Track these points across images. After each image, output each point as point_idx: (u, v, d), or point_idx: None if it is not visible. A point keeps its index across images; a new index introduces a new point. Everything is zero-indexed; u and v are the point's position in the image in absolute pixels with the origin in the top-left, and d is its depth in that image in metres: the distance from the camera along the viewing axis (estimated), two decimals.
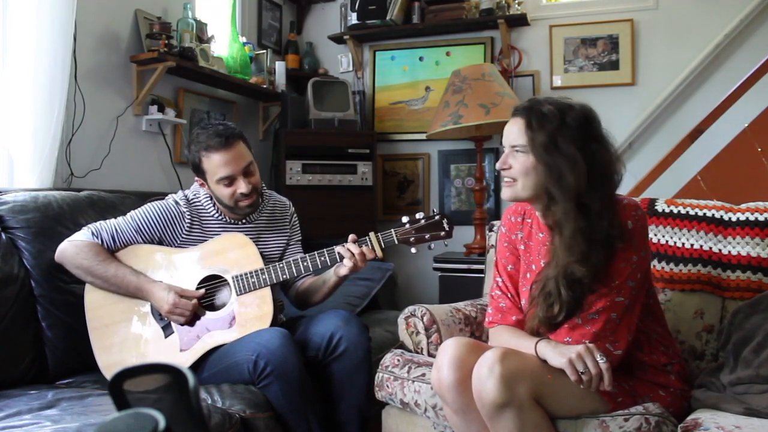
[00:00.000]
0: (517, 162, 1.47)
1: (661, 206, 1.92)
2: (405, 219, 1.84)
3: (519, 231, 1.64)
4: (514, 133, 1.48)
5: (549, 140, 1.42)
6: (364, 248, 1.80)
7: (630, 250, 1.43)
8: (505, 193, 1.51)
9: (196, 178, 1.95)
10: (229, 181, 1.86)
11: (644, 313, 1.51)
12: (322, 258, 1.84)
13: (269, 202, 2.06)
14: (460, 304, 2.03)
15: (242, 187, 1.86)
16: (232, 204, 1.89)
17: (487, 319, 1.66)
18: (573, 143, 1.42)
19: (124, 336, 1.84)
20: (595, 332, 1.40)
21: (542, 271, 1.49)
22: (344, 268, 1.83)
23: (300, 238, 2.13)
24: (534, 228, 1.61)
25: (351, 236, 1.83)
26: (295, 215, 2.14)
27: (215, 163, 1.85)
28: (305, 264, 1.85)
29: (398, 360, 1.78)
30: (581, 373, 1.32)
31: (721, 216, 1.83)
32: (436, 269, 3.11)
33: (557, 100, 1.49)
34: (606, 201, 1.43)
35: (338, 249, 1.82)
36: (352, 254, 1.79)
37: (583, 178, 1.40)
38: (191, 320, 1.82)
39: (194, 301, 1.81)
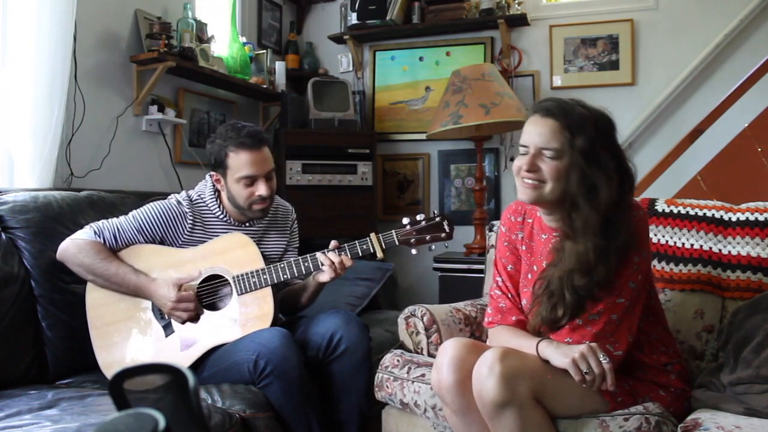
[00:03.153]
0: (547, 166, 1.40)
1: (661, 206, 1.92)
2: (406, 220, 1.84)
3: (519, 231, 1.63)
4: (545, 135, 1.40)
5: (589, 147, 1.37)
6: (343, 257, 1.81)
7: (631, 251, 1.42)
8: (527, 194, 1.44)
9: (212, 173, 1.94)
10: (251, 181, 1.87)
11: (645, 313, 1.51)
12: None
13: (272, 205, 2.06)
14: (460, 304, 2.03)
15: (262, 189, 1.87)
16: (246, 205, 1.90)
17: (486, 319, 1.65)
18: (609, 153, 1.39)
19: (125, 335, 1.84)
20: (595, 333, 1.40)
21: (546, 270, 1.47)
22: (324, 275, 1.83)
23: (297, 245, 2.13)
24: (536, 228, 1.59)
25: (333, 243, 1.84)
26: (295, 222, 2.14)
27: (242, 160, 1.86)
28: (306, 264, 1.85)
29: (398, 360, 1.78)
30: (585, 373, 1.31)
31: (721, 216, 1.83)
32: (436, 269, 3.11)
33: (582, 103, 1.43)
34: (626, 211, 1.41)
35: (319, 256, 1.82)
36: (332, 262, 1.80)
37: (615, 192, 1.38)
38: (192, 319, 1.82)
39: (192, 292, 1.80)
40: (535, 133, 1.42)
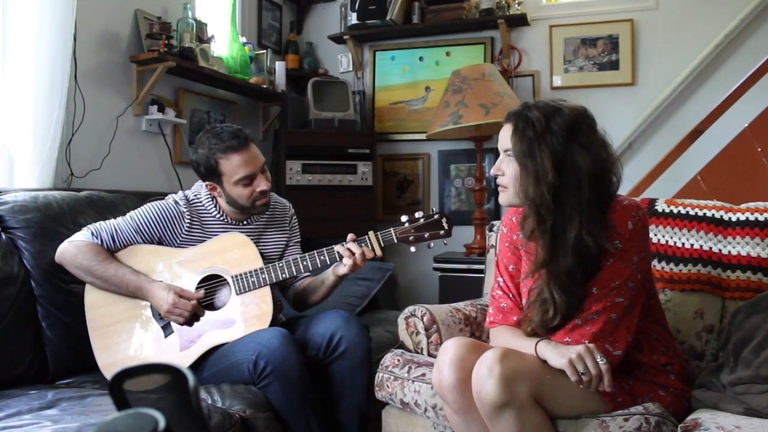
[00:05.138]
0: (508, 168, 1.49)
1: (661, 206, 1.92)
2: (404, 218, 1.85)
3: (520, 231, 1.64)
4: (505, 138, 1.49)
5: (527, 148, 1.43)
6: (364, 248, 1.81)
7: (630, 251, 1.42)
8: (501, 198, 1.54)
9: (206, 183, 1.92)
10: (249, 180, 1.87)
11: (644, 313, 1.51)
12: (322, 257, 1.84)
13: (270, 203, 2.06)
14: (460, 304, 2.03)
15: (262, 184, 1.89)
16: (249, 204, 1.90)
17: (488, 319, 1.66)
18: (552, 151, 1.40)
19: (124, 336, 1.84)
20: (594, 333, 1.40)
21: (538, 279, 1.49)
22: (343, 267, 1.84)
23: (299, 239, 2.13)
24: None
25: (350, 235, 1.84)
26: (294, 217, 2.14)
27: (236, 163, 1.85)
28: (305, 263, 1.85)
29: (398, 360, 1.78)
30: (581, 373, 1.31)
31: (721, 216, 1.83)
32: (436, 269, 3.11)
33: (548, 104, 1.46)
34: (581, 210, 1.40)
35: (337, 248, 1.82)
36: (352, 254, 1.80)
37: (549, 191, 1.39)
38: (191, 320, 1.82)
39: (194, 301, 1.81)
40: (501, 137, 1.52)
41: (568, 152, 1.41)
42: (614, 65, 3.31)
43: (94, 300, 1.86)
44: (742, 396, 1.46)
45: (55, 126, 2.21)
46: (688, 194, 2.63)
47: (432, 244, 1.86)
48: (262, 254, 1.89)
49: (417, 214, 1.85)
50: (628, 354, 1.45)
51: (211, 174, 1.89)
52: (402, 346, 1.92)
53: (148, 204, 1.94)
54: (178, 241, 1.92)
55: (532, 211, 1.44)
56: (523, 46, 3.48)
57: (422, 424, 1.72)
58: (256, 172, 1.88)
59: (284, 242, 2.08)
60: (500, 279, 1.65)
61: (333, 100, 3.38)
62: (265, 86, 3.32)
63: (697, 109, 3.07)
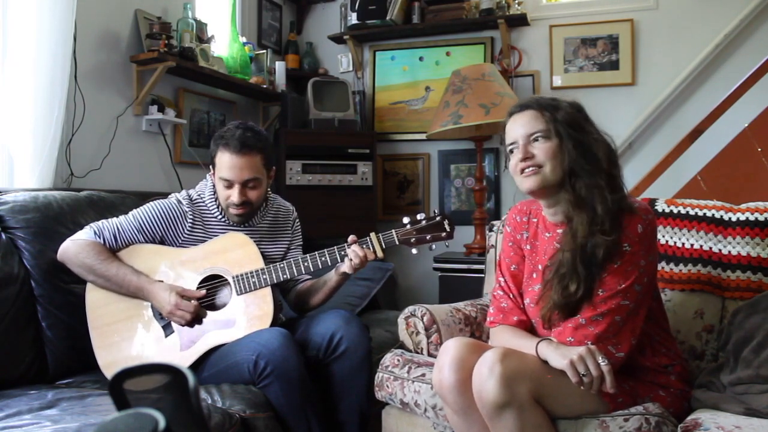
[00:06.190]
0: (539, 149, 1.46)
1: (661, 206, 1.92)
2: (406, 219, 1.84)
3: (524, 231, 1.64)
4: (528, 123, 1.48)
5: (571, 117, 1.46)
6: (365, 249, 1.81)
7: (639, 254, 1.42)
8: (531, 182, 1.46)
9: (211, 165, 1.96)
10: (228, 184, 1.88)
11: (647, 316, 1.50)
12: (323, 258, 1.84)
13: (272, 207, 2.06)
14: (460, 304, 2.03)
15: (234, 196, 1.87)
16: (224, 206, 1.93)
17: (488, 319, 1.66)
18: (588, 122, 1.49)
19: (125, 335, 1.84)
20: (597, 334, 1.40)
21: (554, 256, 1.48)
22: (345, 266, 1.83)
23: (301, 243, 2.13)
24: (540, 228, 1.60)
25: (351, 237, 1.84)
26: (297, 221, 2.14)
27: (224, 162, 1.87)
28: (306, 264, 1.85)
29: (398, 360, 1.78)
30: (582, 375, 1.31)
31: (721, 216, 1.83)
32: (436, 269, 3.11)
33: (554, 97, 1.55)
34: (619, 187, 1.47)
35: (338, 249, 1.82)
36: (356, 254, 1.80)
37: (608, 151, 1.46)
38: (193, 321, 1.82)
39: (195, 302, 1.81)
40: (518, 126, 1.50)
41: (598, 134, 1.48)
42: (614, 65, 3.31)
43: (95, 299, 1.86)
44: (742, 396, 1.46)
45: (55, 126, 2.21)
46: (688, 194, 2.63)
47: (434, 246, 1.86)
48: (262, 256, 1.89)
49: (419, 216, 1.85)
50: (630, 356, 1.45)
51: (211, 160, 1.93)
52: (402, 346, 1.92)
53: (151, 203, 1.94)
54: (180, 241, 1.92)
55: (599, 174, 1.43)
56: (523, 46, 3.48)
57: (422, 424, 1.72)
58: (234, 181, 1.86)
59: (285, 247, 2.07)
60: (501, 279, 1.65)
61: (333, 100, 3.38)
62: (265, 86, 3.32)
63: (697, 109, 3.07)
